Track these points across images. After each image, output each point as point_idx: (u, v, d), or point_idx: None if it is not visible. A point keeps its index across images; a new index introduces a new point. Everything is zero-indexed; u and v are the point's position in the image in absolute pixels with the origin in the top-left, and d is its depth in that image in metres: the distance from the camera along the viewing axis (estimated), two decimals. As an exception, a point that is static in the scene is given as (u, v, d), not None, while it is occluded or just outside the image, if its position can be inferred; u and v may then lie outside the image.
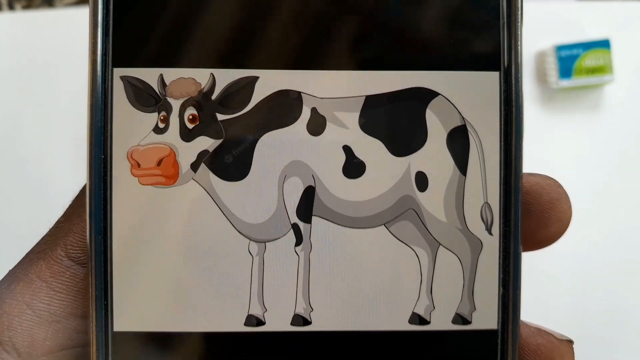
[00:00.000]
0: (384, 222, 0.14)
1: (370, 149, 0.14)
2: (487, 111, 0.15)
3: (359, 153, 0.14)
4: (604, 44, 0.48)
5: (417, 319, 0.15)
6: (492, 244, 0.15)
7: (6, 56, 0.46)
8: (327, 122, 0.14)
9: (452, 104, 0.14)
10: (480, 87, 0.15)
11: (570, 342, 0.16)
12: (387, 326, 0.14)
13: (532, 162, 0.51)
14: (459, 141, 0.15)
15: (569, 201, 0.15)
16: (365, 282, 0.14)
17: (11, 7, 0.51)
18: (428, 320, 0.15)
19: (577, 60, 0.48)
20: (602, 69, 0.48)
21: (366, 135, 0.14)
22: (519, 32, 0.15)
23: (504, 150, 0.15)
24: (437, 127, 0.14)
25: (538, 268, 0.47)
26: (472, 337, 0.15)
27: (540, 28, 0.50)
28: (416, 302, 0.15)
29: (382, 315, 0.15)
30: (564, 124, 0.49)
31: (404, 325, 0.15)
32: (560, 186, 0.16)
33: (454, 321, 0.15)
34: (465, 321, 0.15)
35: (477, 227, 0.15)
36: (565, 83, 0.48)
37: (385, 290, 0.14)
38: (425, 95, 0.14)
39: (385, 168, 0.14)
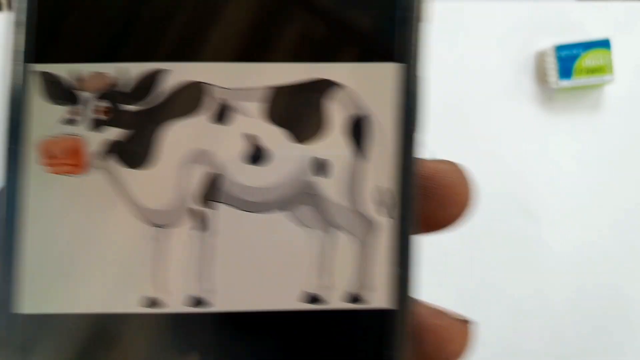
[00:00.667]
0: (285, 207, 0.15)
1: (273, 137, 0.15)
2: (385, 101, 0.15)
3: (262, 141, 0.15)
4: (604, 44, 0.48)
5: (310, 297, 0.15)
6: (388, 226, 0.15)
7: (6, 56, 0.47)
8: (231, 112, 0.15)
9: (351, 94, 0.15)
10: (379, 78, 0.15)
11: (466, 321, 0.17)
12: (281, 305, 0.15)
13: (532, 161, 0.51)
14: (358, 129, 0.15)
15: (468, 185, 0.16)
16: (263, 264, 0.15)
17: (11, 7, 0.52)
18: (321, 299, 0.15)
19: (577, 60, 0.48)
20: (602, 69, 0.48)
21: (269, 124, 0.15)
22: (417, 23, 0.16)
23: (401, 138, 0.15)
24: (337, 115, 0.15)
25: (538, 266, 0.47)
26: (365, 316, 0.15)
27: (540, 28, 0.50)
28: (310, 282, 0.15)
29: (277, 295, 0.15)
30: (564, 124, 0.50)
31: (297, 305, 0.15)
32: (461, 171, 0.16)
33: (347, 300, 0.15)
34: (359, 300, 0.15)
35: (374, 210, 0.15)
36: (565, 83, 0.48)
37: (281, 271, 0.15)
38: (326, 86, 0.15)
39: (287, 155, 0.15)
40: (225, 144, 0.15)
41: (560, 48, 0.49)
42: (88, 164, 0.15)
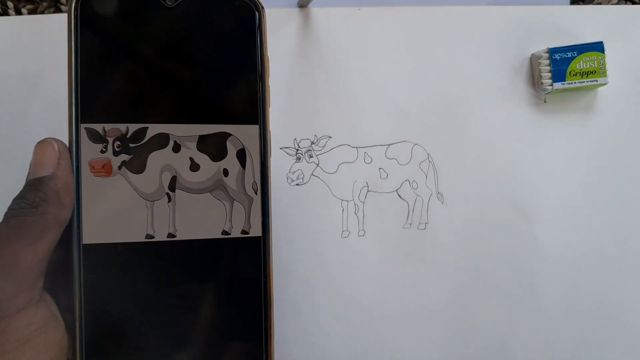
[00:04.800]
0: (209, 190, 0.34)
1: (202, 158, 0.34)
2: (255, 142, 0.34)
3: (196, 160, 0.33)
4: (598, 47, 0.51)
5: (225, 232, 0.34)
6: (257, 199, 0.34)
7: (13, 58, 0.49)
8: (181, 147, 0.33)
9: (238, 139, 0.34)
10: (253, 133, 0.34)
11: None
12: (212, 236, 0.33)
13: (526, 163, 0.54)
14: (242, 155, 0.34)
15: None
16: (201, 216, 0.33)
17: (18, 11, 0.54)
18: (230, 232, 0.34)
19: (571, 63, 0.50)
20: (596, 72, 0.50)
21: (199, 152, 0.33)
22: (266, 108, 0.34)
23: (262, 159, 0.34)
24: (231, 148, 0.34)
25: (531, 265, 0.50)
26: (250, 240, 0.34)
27: (534, 32, 0.52)
28: (224, 224, 0.34)
29: (210, 231, 0.33)
30: (557, 126, 0.53)
31: (218, 235, 0.33)
32: None
33: (242, 233, 0.34)
34: (246, 232, 0.34)
35: (250, 191, 0.34)
36: (559, 86, 0.50)
37: (210, 220, 0.33)
38: (226, 135, 0.34)
39: (209, 167, 0.34)
40: (179, 162, 0.33)
41: (554, 51, 0.51)
42: (112, 172, 0.33)
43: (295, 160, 0.52)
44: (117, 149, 0.32)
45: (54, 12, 0.55)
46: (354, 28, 0.54)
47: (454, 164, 0.54)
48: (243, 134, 0.34)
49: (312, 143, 0.52)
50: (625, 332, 0.53)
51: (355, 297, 0.51)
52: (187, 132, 0.33)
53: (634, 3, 0.59)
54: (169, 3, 0.33)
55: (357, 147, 0.53)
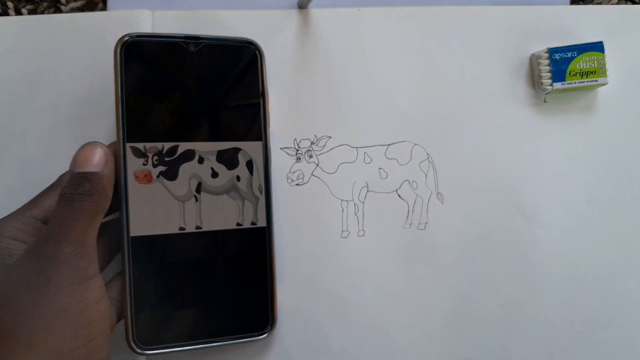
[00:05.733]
0: (226, 192, 0.47)
1: (220, 168, 0.47)
2: (259, 155, 0.47)
3: (216, 169, 0.47)
4: (598, 47, 0.52)
5: (238, 223, 0.47)
6: (262, 198, 0.48)
7: (13, 58, 0.49)
8: (204, 159, 0.47)
9: (247, 152, 0.47)
10: (258, 147, 0.47)
11: None
12: (229, 227, 0.47)
13: (526, 163, 0.56)
14: (250, 165, 0.48)
15: None
16: (220, 212, 0.47)
17: (18, 11, 0.54)
18: (242, 224, 0.47)
19: (571, 63, 0.51)
20: (596, 72, 0.51)
21: (218, 162, 0.47)
22: (267, 129, 0.48)
23: (265, 169, 0.47)
24: (242, 159, 0.48)
25: (532, 266, 0.50)
26: (257, 230, 0.47)
27: (534, 32, 0.53)
28: (238, 218, 0.47)
29: (228, 223, 0.47)
30: (557, 127, 0.55)
31: (234, 226, 0.47)
32: None
33: (251, 224, 0.47)
34: (255, 224, 0.47)
35: (257, 192, 0.48)
36: (558, 86, 0.50)
37: (227, 214, 0.47)
38: (238, 150, 0.47)
39: (225, 174, 0.47)
40: (203, 171, 0.46)
41: (554, 51, 0.52)
42: (152, 180, 0.45)
43: (295, 161, 0.53)
44: (155, 162, 0.44)
45: (54, 12, 0.56)
46: (354, 29, 0.56)
47: (454, 164, 0.56)
48: (251, 148, 0.48)
49: (312, 143, 0.53)
50: (625, 334, 0.56)
51: (355, 297, 0.54)
52: (209, 148, 0.47)
53: (634, 3, 0.60)
54: (192, 48, 0.45)
55: (356, 147, 0.55)
